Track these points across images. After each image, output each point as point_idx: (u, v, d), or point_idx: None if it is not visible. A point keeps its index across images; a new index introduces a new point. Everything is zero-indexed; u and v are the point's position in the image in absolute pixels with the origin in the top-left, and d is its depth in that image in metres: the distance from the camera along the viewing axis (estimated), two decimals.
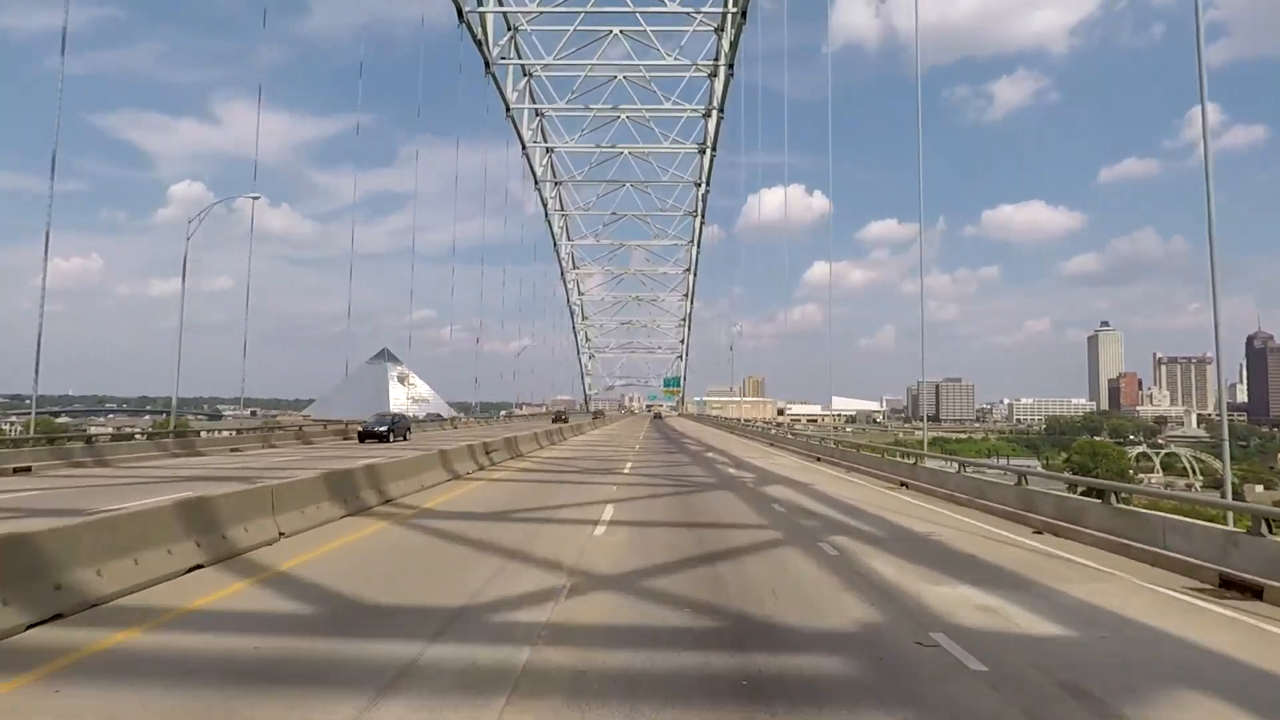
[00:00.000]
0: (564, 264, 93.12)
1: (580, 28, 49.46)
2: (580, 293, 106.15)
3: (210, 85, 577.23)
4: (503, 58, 52.18)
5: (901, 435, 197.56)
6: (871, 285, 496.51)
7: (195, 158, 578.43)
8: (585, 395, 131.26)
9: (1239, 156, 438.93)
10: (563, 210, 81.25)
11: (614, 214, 79.88)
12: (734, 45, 49.85)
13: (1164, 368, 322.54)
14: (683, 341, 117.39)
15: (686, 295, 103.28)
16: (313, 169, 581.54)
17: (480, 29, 48.89)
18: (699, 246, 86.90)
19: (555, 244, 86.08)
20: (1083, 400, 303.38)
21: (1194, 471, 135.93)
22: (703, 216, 78.88)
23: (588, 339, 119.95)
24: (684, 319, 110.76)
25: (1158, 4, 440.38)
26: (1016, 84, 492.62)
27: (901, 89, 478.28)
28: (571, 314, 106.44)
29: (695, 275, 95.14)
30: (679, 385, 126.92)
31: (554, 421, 61.84)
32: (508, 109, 57.98)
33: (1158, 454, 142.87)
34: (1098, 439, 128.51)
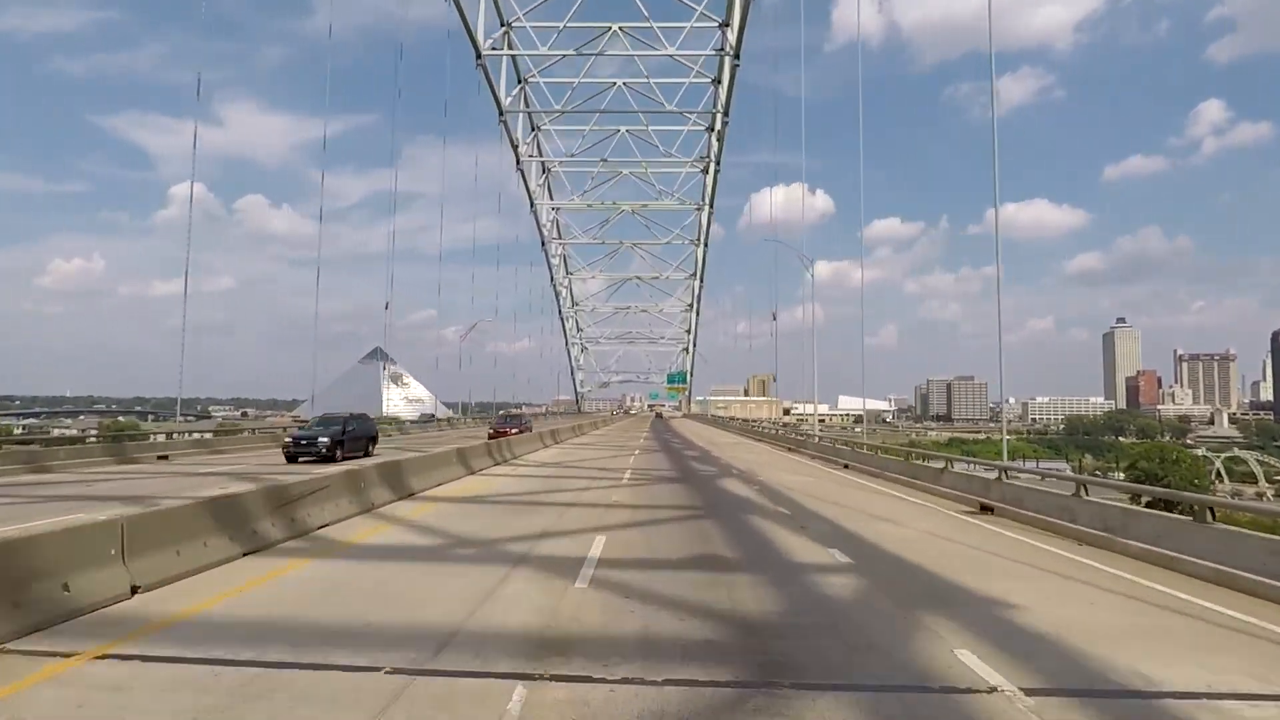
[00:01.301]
0: (546, 233, 75.36)
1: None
2: (568, 271, 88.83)
3: (211, 86, 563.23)
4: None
5: (914, 436, 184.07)
6: (875, 284, 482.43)
7: (198, 158, 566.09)
8: (576, 393, 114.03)
9: (1245, 153, 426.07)
10: (541, 155, 64.73)
11: (604, 161, 63.52)
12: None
13: (1185, 365, 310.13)
14: (689, 331, 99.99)
15: (694, 275, 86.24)
16: (313, 169, 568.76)
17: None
18: (712, 206, 70.28)
19: (533, 205, 69.02)
20: (1099, 399, 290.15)
21: (1264, 477, 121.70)
22: (717, 163, 62.73)
23: (579, 328, 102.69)
24: (691, 304, 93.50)
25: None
26: (1021, 81, 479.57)
27: (905, 86, 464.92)
28: (557, 295, 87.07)
29: (705, 246, 78.34)
30: (685, 381, 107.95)
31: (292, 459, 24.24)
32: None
33: (1218, 457, 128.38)
34: (1165, 443, 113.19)
